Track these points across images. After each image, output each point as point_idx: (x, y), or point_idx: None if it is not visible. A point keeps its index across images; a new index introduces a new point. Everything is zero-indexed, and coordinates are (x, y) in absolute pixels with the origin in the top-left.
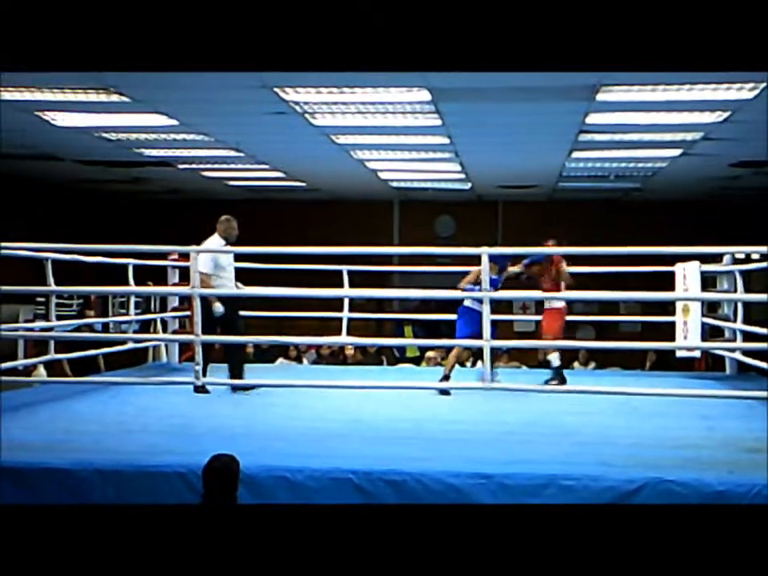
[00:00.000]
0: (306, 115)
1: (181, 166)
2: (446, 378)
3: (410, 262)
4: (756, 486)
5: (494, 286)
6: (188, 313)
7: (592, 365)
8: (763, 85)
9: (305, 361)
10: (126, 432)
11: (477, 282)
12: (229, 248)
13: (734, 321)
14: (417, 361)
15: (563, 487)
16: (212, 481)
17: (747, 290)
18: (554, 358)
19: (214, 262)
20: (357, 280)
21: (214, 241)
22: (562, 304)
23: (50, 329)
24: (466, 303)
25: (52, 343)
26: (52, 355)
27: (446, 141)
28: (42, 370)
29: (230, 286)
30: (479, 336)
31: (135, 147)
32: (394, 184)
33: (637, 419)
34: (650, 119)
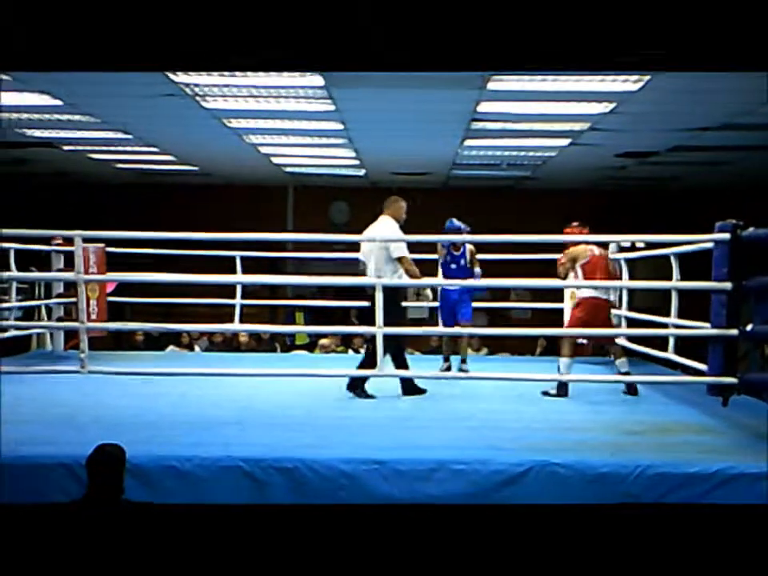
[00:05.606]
0: (197, 98)
1: (66, 148)
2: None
3: (304, 248)
4: (638, 467)
5: (457, 262)
6: (74, 299)
7: (484, 351)
8: (647, 78)
9: (197, 348)
10: (7, 423)
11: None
12: (106, 234)
13: (619, 308)
14: (310, 348)
15: (454, 471)
16: (97, 471)
17: (632, 277)
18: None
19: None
20: (250, 266)
21: (391, 225)
22: (586, 293)
23: None
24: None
25: None
26: None
27: (340, 126)
28: None
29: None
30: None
31: (17, 127)
32: (288, 169)
33: (526, 404)
34: (539, 109)
